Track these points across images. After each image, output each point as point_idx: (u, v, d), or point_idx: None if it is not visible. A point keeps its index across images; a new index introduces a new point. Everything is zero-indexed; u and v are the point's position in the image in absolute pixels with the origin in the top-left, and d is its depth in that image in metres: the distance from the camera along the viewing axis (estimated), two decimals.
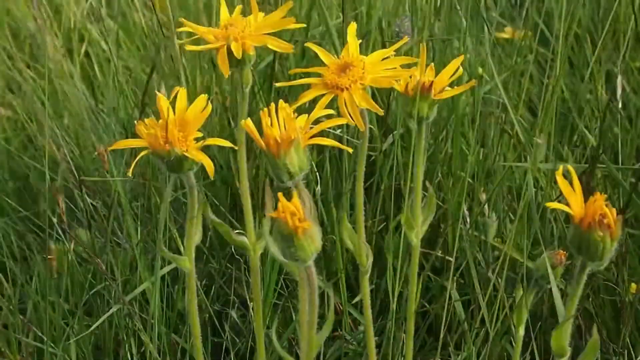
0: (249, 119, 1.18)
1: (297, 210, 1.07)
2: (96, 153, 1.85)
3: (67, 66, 2.41)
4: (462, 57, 1.34)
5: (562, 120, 2.02)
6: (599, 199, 1.09)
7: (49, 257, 1.67)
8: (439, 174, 1.84)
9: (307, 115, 1.20)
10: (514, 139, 1.81)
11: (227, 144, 1.26)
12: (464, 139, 1.93)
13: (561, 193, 1.11)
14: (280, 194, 1.07)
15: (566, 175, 1.11)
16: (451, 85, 1.34)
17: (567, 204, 1.12)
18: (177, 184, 1.94)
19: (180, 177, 1.29)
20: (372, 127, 1.73)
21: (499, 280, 1.60)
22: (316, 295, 1.15)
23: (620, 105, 1.89)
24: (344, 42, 1.74)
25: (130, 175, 1.24)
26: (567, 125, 2.01)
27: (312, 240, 1.09)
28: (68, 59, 2.49)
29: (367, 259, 1.41)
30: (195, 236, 1.36)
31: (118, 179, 1.84)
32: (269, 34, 1.27)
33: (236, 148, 1.32)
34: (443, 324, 1.62)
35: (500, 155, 1.85)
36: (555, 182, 1.26)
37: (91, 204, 1.94)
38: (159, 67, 1.99)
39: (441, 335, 1.65)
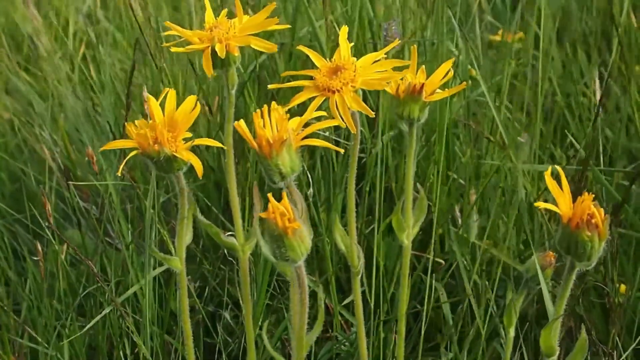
0: (242, 120, 1.19)
1: (287, 210, 1.08)
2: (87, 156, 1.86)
3: (64, 68, 2.42)
4: (452, 60, 1.35)
5: (555, 122, 2.03)
6: (587, 200, 1.10)
7: (38, 259, 1.67)
8: (431, 176, 1.84)
9: (298, 117, 1.21)
10: (498, 142, 1.82)
11: (216, 143, 1.27)
12: (457, 141, 1.94)
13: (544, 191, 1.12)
14: (269, 195, 1.08)
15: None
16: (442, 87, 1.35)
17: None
18: (168, 185, 1.95)
19: (170, 178, 1.30)
20: (362, 129, 1.74)
21: (488, 281, 1.61)
22: (306, 295, 1.16)
23: (601, 110, 1.90)
24: (328, 43, 1.76)
25: (119, 175, 1.25)
26: (560, 127, 2.02)
27: (302, 240, 1.10)
28: (65, 61, 2.50)
29: (358, 260, 1.42)
30: (186, 236, 1.37)
31: (106, 182, 1.84)
32: (253, 34, 1.28)
33: (225, 147, 1.33)
34: (424, 323, 1.63)
35: (490, 157, 1.86)
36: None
37: (83, 206, 1.95)
38: (139, 67, 2.00)
39: (422, 333, 1.66)
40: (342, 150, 1.25)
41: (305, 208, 1.17)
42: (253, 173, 1.82)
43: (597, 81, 1.85)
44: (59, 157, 2.08)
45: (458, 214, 1.79)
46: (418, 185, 1.49)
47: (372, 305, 1.68)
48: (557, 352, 1.23)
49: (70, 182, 1.87)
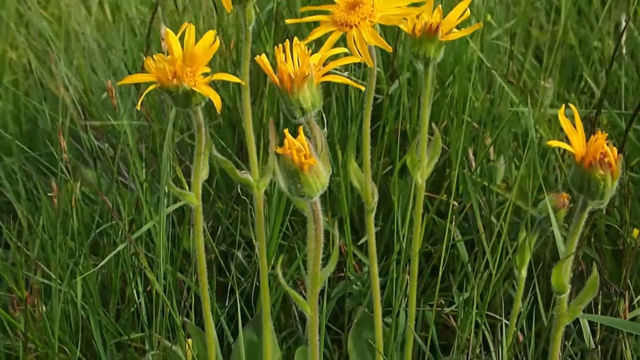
0: (263, 54, 1.19)
1: (303, 146, 1.08)
2: (105, 93, 1.86)
3: (79, 8, 2.42)
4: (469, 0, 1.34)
5: (569, 69, 2.02)
6: (600, 138, 1.10)
7: (53, 195, 1.68)
8: (445, 118, 1.85)
9: (319, 54, 1.21)
10: (519, 85, 1.81)
11: (234, 79, 1.27)
12: (470, 85, 1.94)
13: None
14: (286, 131, 1.08)
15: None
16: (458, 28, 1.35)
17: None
18: (183, 125, 1.95)
19: (188, 113, 1.30)
20: (378, 69, 1.73)
21: (503, 223, 1.62)
22: (321, 231, 1.16)
23: (624, 51, 1.89)
24: None
25: (138, 109, 1.25)
26: (574, 73, 2.02)
27: (318, 176, 1.10)
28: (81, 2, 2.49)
29: (372, 198, 1.43)
30: (202, 173, 1.37)
31: (121, 122, 1.85)
32: None
33: (244, 83, 1.33)
34: (443, 263, 1.63)
35: (506, 100, 1.86)
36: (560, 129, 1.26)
37: (98, 146, 1.95)
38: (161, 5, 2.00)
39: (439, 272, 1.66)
40: (362, 87, 1.25)
41: (326, 144, 1.17)
42: (269, 111, 1.82)
43: (624, 22, 1.84)
44: (74, 92, 2.08)
45: (472, 157, 1.80)
46: (433, 125, 1.49)
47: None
48: (568, 290, 1.23)
49: (86, 121, 1.87)
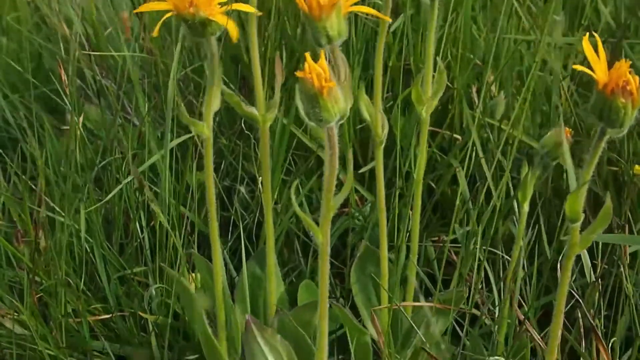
0: None
1: (324, 70, 1.09)
2: (108, 30, 1.86)
3: None
4: None
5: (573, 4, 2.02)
6: (624, 66, 1.10)
7: (66, 127, 1.68)
8: (448, 55, 1.85)
9: None
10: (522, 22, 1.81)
11: (251, 9, 1.28)
12: (474, 24, 1.94)
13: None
14: (307, 54, 1.08)
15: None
16: None
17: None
18: (185, 60, 1.94)
19: (197, 45, 1.30)
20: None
21: (505, 159, 1.63)
22: (336, 158, 1.17)
23: None
24: None
25: (155, 35, 1.26)
26: (578, 9, 2.01)
27: (336, 101, 1.11)
28: None
29: (382, 130, 1.44)
30: (214, 104, 1.37)
31: (124, 53, 1.84)
32: None
33: (259, 13, 1.34)
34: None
35: (510, 39, 1.86)
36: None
37: (102, 82, 1.95)
38: None
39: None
40: (389, 19, 1.25)
41: (349, 73, 1.17)
42: (273, 46, 1.82)
43: None
44: (79, 28, 2.07)
45: (475, 94, 1.80)
46: (438, 59, 1.49)
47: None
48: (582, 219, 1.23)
49: (90, 53, 1.87)
